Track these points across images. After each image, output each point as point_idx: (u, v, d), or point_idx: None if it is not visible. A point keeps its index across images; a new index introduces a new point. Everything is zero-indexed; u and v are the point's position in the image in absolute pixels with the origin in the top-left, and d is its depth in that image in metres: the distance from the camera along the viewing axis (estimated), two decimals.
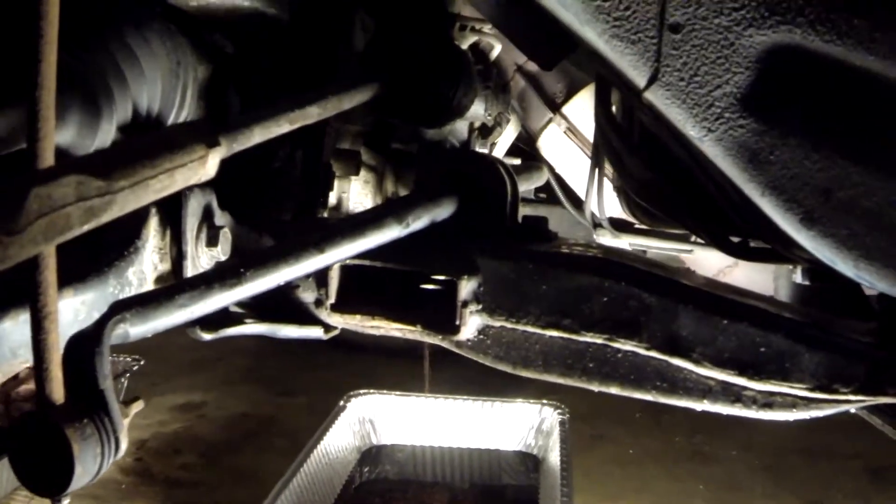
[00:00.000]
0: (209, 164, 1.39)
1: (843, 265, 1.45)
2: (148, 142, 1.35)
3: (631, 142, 1.90)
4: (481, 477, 3.69)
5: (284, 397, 4.37)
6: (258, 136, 1.53)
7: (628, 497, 3.47)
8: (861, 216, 1.40)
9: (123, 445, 1.37)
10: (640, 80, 1.52)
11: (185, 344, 4.77)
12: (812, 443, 3.97)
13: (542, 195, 3.32)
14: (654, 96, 1.51)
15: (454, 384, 3.87)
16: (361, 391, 3.74)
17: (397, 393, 3.79)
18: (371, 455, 3.72)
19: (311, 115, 1.68)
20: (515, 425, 3.76)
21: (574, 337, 1.76)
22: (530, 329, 1.80)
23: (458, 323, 1.81)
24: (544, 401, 3.72)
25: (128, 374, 4.05)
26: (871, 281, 1.44)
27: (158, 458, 3.69)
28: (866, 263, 1.41)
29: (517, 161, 3.10)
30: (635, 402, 4.09)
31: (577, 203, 2.60)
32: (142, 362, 4.04)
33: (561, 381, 1.82)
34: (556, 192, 2.89)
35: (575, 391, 3.83)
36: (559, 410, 3.65)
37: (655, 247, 2.54)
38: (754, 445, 3.94)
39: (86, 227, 1.18)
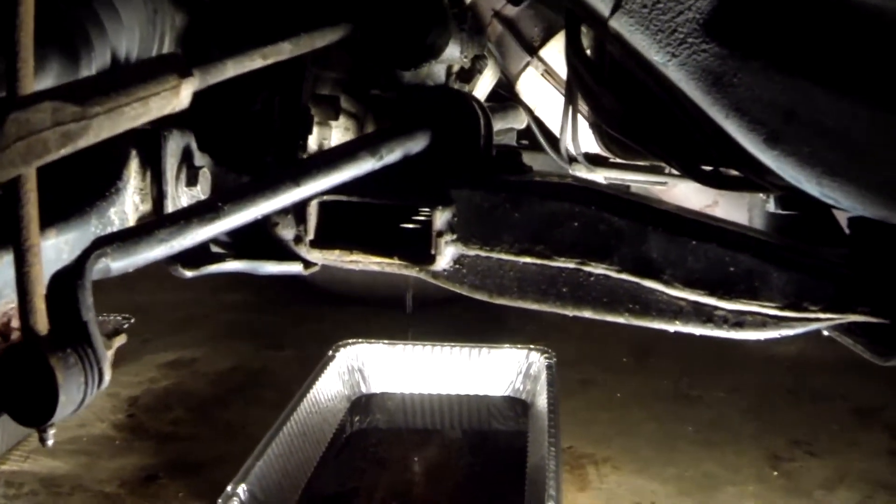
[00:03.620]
0: (182, 94, 1.42)
1: (807, 183, 1.48)
2: (123, 72, 1.38)
3: (601, 75, 1.93)
4: (471, 423, 3.72)
5: (273, 351, 4.39)
6: (231, 69, 1.56)
7: (616, 439, 3.50)
8: (823, 134, 1.42)
9: (107, 376, 1.40)
10: (604, 8, 1.55)
11: (174, 302, 4.83)
12: (799, 385, 4.00)
13: (525, 142, 3.33)
14: (619, 24, 1.54)
15: (441, 335, 3.89)
16: (350, 341, 3.77)
17: (385, 342, 3.82)
18: (361, 404, 3.76)
19: (284, 51, 1.71)
20: (503, 371, 3.80)
21: (547, 262, 1.79)
22: (504, 256, 1.83)
23: (433, 253, 1.84)
24: (531, 346, 3.75)
25: (118, 332, 4.07)
26: (835, 198, 1.47)
27: (150, 415, 3.71)
28: (829, 180, 1.44)
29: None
30: (621, 347, 4.17)
31: (556, 145, 2.62)
32: (132, 320, 4.06)
33: (536, 307, 1.86)
34: (536, 135, 2.92)
35: (561, 338, 3.90)
36: (546, 355, 3.69)
37: (630, 179, 2.57)
38: (741, 388, 3.97)
39: (63, 152, 1.21)
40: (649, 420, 3.68)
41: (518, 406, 3.75)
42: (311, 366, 3.58)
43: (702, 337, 3.88)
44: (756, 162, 1.54)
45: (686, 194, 2.86)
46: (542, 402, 3.40)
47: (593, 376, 4.07)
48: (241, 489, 2.67)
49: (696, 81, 1.49)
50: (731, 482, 3.19)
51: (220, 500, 2.60)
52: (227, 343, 4.47)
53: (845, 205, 1.48)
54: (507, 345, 3.81)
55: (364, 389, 3.81)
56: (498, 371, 3.80)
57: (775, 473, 3.25)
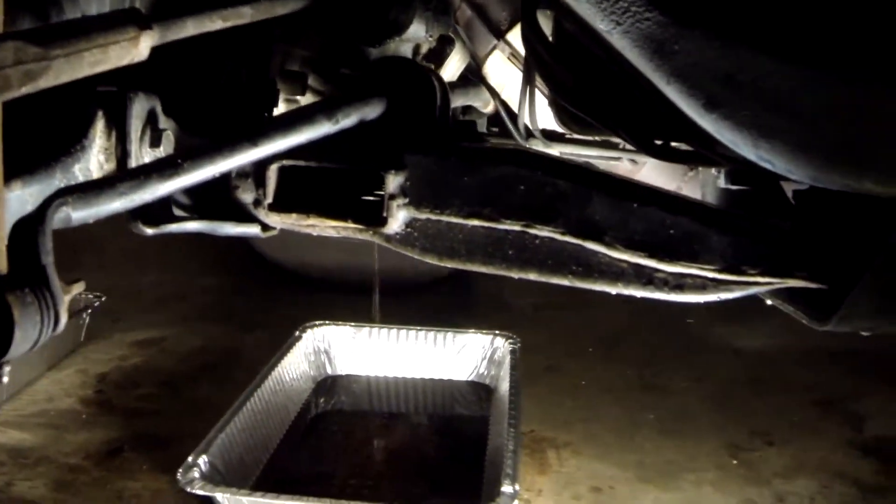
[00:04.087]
0: (141, 46, 1.46)
1: (745, 147, 1.52)
2: (85, 20, 1.43)
3: (557, 50, 1.97)
4: (435, 407, 3.76)
5: (244, 332, 4.43)
6: (191, 27, 1.60)
7: (578, 425, 3.54)
8: (759, 98, 1.47)
9: (63, 320, 1.44)
10: None
11: (148, 284, 4.87)
12: (761, 376, 4.04)
13: (495, 129, 3.37)
14: None
15: (410, 320, 3.93)
16: (317, 322, 3.82)
17: (352, 324, 3.87)
18: (326, 385, 3.81)
19: (244, 15, 1.76)
20: (468, 355, 3.86)
21: (494, 225, 1.84)
22: (454, 220, 1.88)
23: (385, 216, 1.89)
24: (497, 332, 3.80)
25: (89, 311, 4.12)
26: (770, 159, 1.51)
27: (118, 391, 3.75)
28: (765, 142, 1.49)
29: None
30: (589, 338, 4.21)
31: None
32: (103, 298, 4.10)
33: (483, 269, 1.90)
34: (503, 118, 2.96)
35: (530, 327, 3.94)
36: (511, 340, 3.74)
37: (584, 154, 2.62)
38: (705, 378, 4.01)
39: (24, 90, 1.26)
40: (612, 407, 3.72)
41: (482, 390, 3.80)
42: (279, 346, 3.62)
43: (667, 327, 3.95)
44: (701, 132, 1.59)
45: (650, 179, 2.91)
46: (505, 386, 3.44)
47: (559, 364, 4.11)
48: (203, 460, 2.71)
49: (639, 49, 1.53)
50: (691, 469, 3.23)
51: (180, 471, 2.64)
52: (198, 324, 4.51)
53: (780, 168, 1.52)
54: (473, 330, 3.85)
55: (329, 371, 3.86)
56: (463, 356, 3.86)
57: (735, 462, 3.30)
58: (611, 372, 4.07)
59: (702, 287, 1.79)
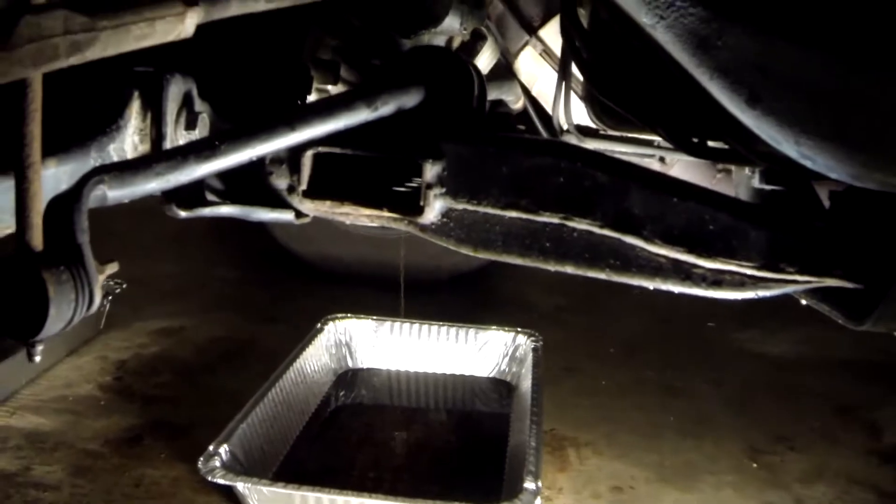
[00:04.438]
0: (187, 22, 1.46)
1: (786, 143, 1.51)
2: None
3: (595, 42, 1.96)
4: (455, 403, 3.75)
5: (264, 323, 4.42)
6: (235, 7, 1.59)
7: (598, 425, 3.52)
8: (798, 91, 1.46)
9: (97, 299, 1.44)
10: None
11: (168, 274, 4.86)
12: (782, 382, 4.02)
13: (522, 127, 3.37)
14: None
15: (431, 316, 3.93)
16: (338, 315, 3.81)
17: (374, 317, 3.87)
18: (347, 378, 3.80)
19: None
20: (490, 352, 3.84)
21: (532, 217, 1.83)
22: (490, 210, 1.87)
23: (422, 205, 1.88)
24: (519, 329, 3.79)
25: (110, 297, 4.11)
26: (811, 155, 1.50)
27: (137, 378, 3.74)
28: (806, 138, 1.48)
29: None
30: (610, 339, 4.20)
31: (549, 123, 2.65)
32: (124, 285, 4.09)
33: (519, 261, 1.89)
34: (531, 115, 2.95)
35: (550, 325, 3.93)
36: (533, 338, 3.72)
37: (619, 150, 2.61)
38: (725, 382, 3.99)
39: (71, 60, 1.26)
40: (632, 408, 3.70)
41: (503, 387, 3.79)
42: (301, 339, 3.62)
43: (688, 331, 3.93)
44: (741, 129, 1.58)
45: (681, 177, 2.90)
46: (526, 384, 3.43)
47: (580, 364, 4.09)
48: (224, 449, 2.70)
49: (682, 44, 1.52)
50: (711, 472, 3.21)
51: (201, 459, 2.63)
52: (218, 314, 4.50)
53: (820, 164, 1.51)
54: (495, 327, 3.84)
55: (350, 364, 3.85)
56: (484, 352, 3.85)
57: (754, 465, 3.28)
58: (631, 374, 4.05)
59: (740, 284, 1.78)
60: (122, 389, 3.63)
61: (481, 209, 1.88)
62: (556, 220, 1.82)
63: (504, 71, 3.11)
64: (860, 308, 1.76)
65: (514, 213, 1.85)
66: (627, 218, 1.78)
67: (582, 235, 1.83)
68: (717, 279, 1.78)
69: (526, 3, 2.85)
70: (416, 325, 3.87)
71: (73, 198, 1.42)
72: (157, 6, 1.39)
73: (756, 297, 1.79)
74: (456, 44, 2.66)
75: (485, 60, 2.93)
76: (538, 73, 2.85)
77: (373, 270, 4.58)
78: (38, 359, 1.47)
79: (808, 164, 1.53)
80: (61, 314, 1.38)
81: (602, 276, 1.84)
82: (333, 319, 3.80)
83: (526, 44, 2.85)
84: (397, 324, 3.88)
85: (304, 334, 3.68)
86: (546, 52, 2.81)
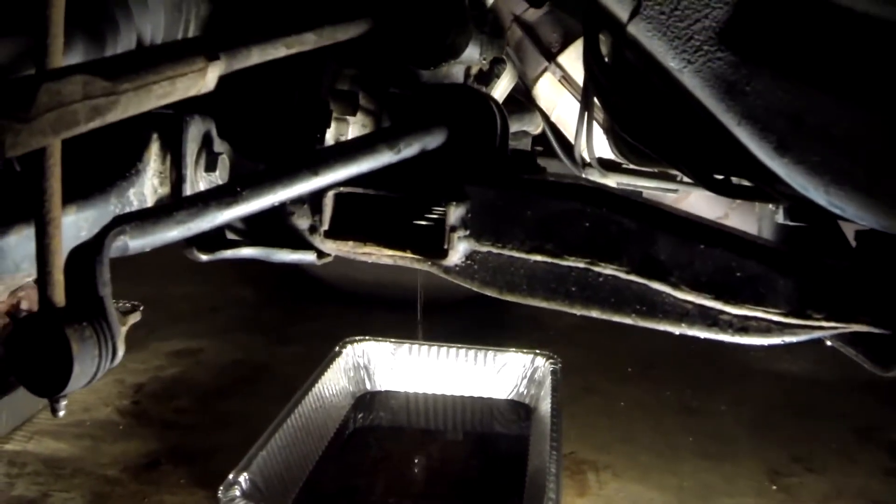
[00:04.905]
0: (209, 77, 1.44)
1: (815, 192, 1.50)
2: (152, 51, 1.41)
3: (618, 79, 1.95)
4: (473, 425, 3.74)
5: (280, 346, 4.41)
6: (256, 56, 1.58)
7: (616, 448, 3.52)
8: (830, 142, 1.44)
9: (120, 351, 1.42)
10: (623, 13, 1.57)
11: (182, 295, 4.85)
12: (799, 402, 4.01)
13: (539, 148, 3.35)
14: (637, 30, 1.57)
15: (447, 337, 3.91)
16: (357, 337, 3.80)
17: (392, 340, 3.85)
18: (365, 401, 3.78)
19: (308, 41, 1.74)
20: (508, 374, 3.82)
21: (557, 261, 1.82)
22: (515, 254, 1.86)
23: (446, 247, 1.86)
24: (537, 351, 3.77)
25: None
26: (841, 206, 1.49)
27: (155, 402, 3.74)
28: (836, 188, 1.46)
29: None
30: (626, 358, 4.18)
31: (570, 150, 2.65)
32: (141, 308, 4.08)
33: (544, 304, 1.88)
34: (550, 140, 2.94)
35: (566, 345, 3.92)
36: (551, 360, 3.70)
37: (642, 185, 2.60)
38: (742, 402, 3.98)
39: (92, 125, 1.24)
40: (651, 429, 3.69)
41: (521, 410, 3.77)
42: (316, 362, 3.60)
43: (706, 349, 3.92)
44: (766, 171, 1.57)
45: (697, 205, 2.89)
46: (545, 406, 3.42)
47: (597, 384, 4.08)
48: (243, 478, 2.69)
49: (710, 88, 1.51)
50: (730, 494, 3.20)
51: (221, 489, 2.62)
52: (233, 336, 4.50)
53: (851, 214, 1.50)
54: (513, 349, 3.82)
55: (369, 387, 3.83)
56: (503, 374, 3.82)
57: (774, 487, 3.27)
58: (649, 393, 4.04)
59: (766, 330, 1.76)
60: (139, 413, 3.63)
61: (506, 252, 1.87)
62: (581, 265, 1.81)
63: (522, 95, 3.10)
64: (887, 353, 1.74)
65: (539, 257, 1.84)
66: (654, 264, 1.76)
67: (608, 280, 1.81)
68: (743, 325, 1.77)
69: (545, 29, 2.85)
70: (435, 348, 3.85)
71: (95, 250, 1.40)
72: (178, 63, 1.38)
73: (783, 343, 1.78)
74: (475, 71, 2.64)
75: (503, 86, 2.91)
76: (557, 100, 2.85)
77: (391, 292, 4.56)
78: (62, 413, 1.45)
79: (837, 212, 1.52)
80: (85, 370, 1.37)
81: (628, 320, 1.83)
82: (352, 342, 3.79)
83: (545, 70, 2.85)
84: (415, 346, 3.86)
85: (319, 356, 3.67)
86: (565, 78, 2.81)
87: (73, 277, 1.39)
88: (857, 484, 3.30)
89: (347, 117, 2.29)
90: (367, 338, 3.83)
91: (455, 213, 1.87)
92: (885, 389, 4.05)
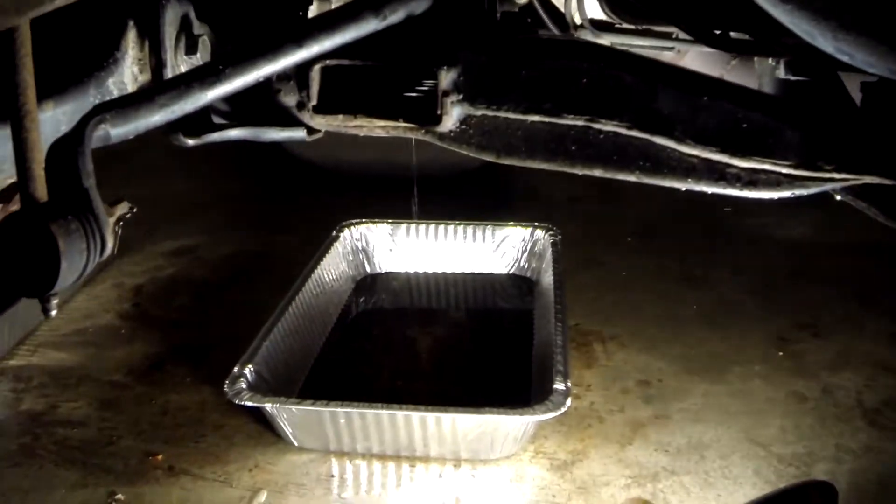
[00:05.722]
0: None
1: (822, 38, 1.43)
2: None
3: None
4: (476, 302, 3.73)
5: (276, 235, 4.37)
6: None
7: (621, 319, 3.49)
8: None
9: (109, 244, 1.39)
10: None
11: (174, 193, 4.81)
12: (802, 268, 3.97)
13: (528, 20, 3.28)
14: None
15: (446, 213, 3.88)
16: (353, 220, 3.77)
17: (389, 221, 3.83)
18: (366, 284, 3.77)
19: None
20: (508, 248, 3.81)
21: (555, 120, 1.77)
22: (511, 115, 1.80)
23: (439, 113, 1.81)
24: (536, 223, 3.74)
25: (121, 223, 4.05)
26: (850, 51, 1.42)
27: (155, 303, 3.70)
28: (844, 33, 1.40)
29: None
30: (626, 228, 4.15)
31: (559, 18, 2.57)
32: (134, 210, 4.03)
33: (545, 166, 1.83)
34: (537, 8, 2.86)
35: (565, 218, 3.88)
36: (551, 232, 3.68)
37: (637, 44, 2.53)
38: (745, 269, 3.94)
39: (57, 2, 1.18)
40: (655, 299, 3.67)
41: (523, 284, 3.76)
42: (314, 249, 3.58)
43: (706, 217, 3.88)
44: (769, 21, 1.50)
45: (693, 65, 2.82)
46: (547, 279, 3.41)
47: (599, 256, 4.06)
48: (248, 369, 2.67)
49: None
50: (737, 362, 3.18)
51: (227, 382, 2.60)
52: (229, 230, 4.46)
53: (860, 60, 1.44)
54: (512, 223, 3.79)
55: (368, 269, 3.83)
56: (502, 249, 3.82)
57: (780, 354, 3.25)
58: (651, 263, 4.01)
59: (776, 183, 1.72)
60: (140, 316, 3.60)
61: (501, 114, 1.81)
62: (580, 123, 1.75)
63: None
64: None
65: (536, 118, 1.78)
66: (656, 118, 1.71)
67: (609, 137, 1.75)
68: (752, 179, 1.72)
69: None
70: (433, 226, 3.84)
71: (75, 141, 1.36)
72: None
73: (793, 195, 1.73)
74: None
75: None
76: None
77: (384, 171, 4.51)
78: (53, 313, 1.42)
79: (845, 59, 1.45)
80: (73, 266, 1.33)
81: (632, 178, 1.78)
82: (349, 226, 3.76)
83: None
84: (413, 226, 3.84)
85: (316, 243, 3.64)
86: None
87: (55, 171, 1.35)
88: (864, 349, 3.28)
89: None
90: (363, 220, 3.80)
91: (447, 78, 1.81)
92: (885, 251, 4.02)
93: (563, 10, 2.53)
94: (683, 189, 1.77)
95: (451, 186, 4.62)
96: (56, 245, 1.28)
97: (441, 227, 3.83)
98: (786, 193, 1.73)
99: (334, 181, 4.89)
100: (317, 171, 4.93)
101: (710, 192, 1.75)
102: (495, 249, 3.81)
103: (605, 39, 2.53)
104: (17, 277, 1.33)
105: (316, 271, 3.37)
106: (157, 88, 1.55)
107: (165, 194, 4.89)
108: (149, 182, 4.85)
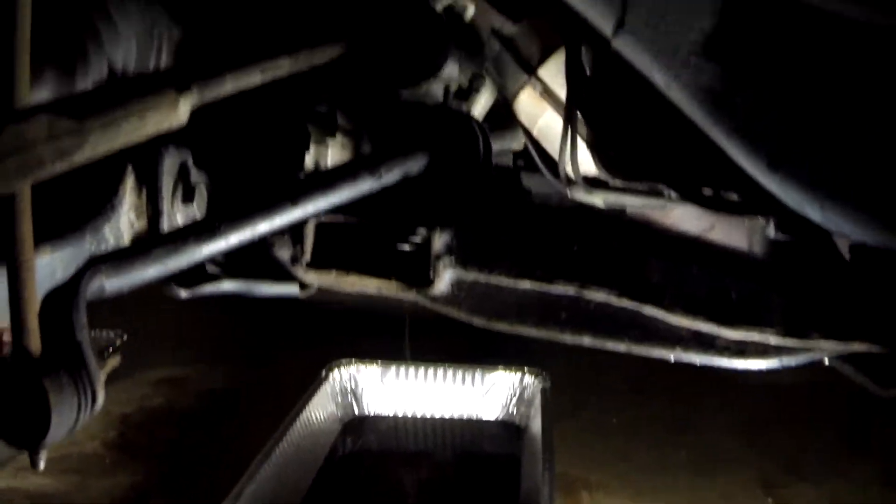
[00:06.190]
0: (181, 110, 1.40)
1: (810, 209, 1.45)
2: (120, 86, 1.36)
3: (601, 94, 1.91)
4: (463, 446, 3.69)
5: (266, 370, 4.37)
6: (230, 84, 1.54)
7: (609, 466, 3.48)
8: (823, 156, 1.40)
9: (100, 398, 1.38)
10: (606, 27, 1.53)
11: (165, 321, 4.78)
12: (791, 411, 3.98)
13: (521, 162, 3.31)
14: (622, 44, 1.52)
15: (435, 355, 3.87)
16: (343, 360, 3.75)
17: (379, 362, 3.80)
18: (354, 426, 3.73)
19: (283, 67, 1.70)
20: (497, 393, 3.78)
21: (546, 287, 1.78)
22: (503, 280, 1.81)
23: (431, 276, 1.82)
24: (526, 369, 3.73)
25: (111, 349, 4.06)
26: (837, 222, 1.44)
27: (140, 433, 3.68)
28: (831, 204, 1.42)
29: None
30: (615, 373, 4.14)
31: (554, 166, 2.59)
32: (124, 337, 4.04)
33: (535, 333, 1.84)
34: (533, 156, 2.89)
35: (555, 361, 3.87)
36: (540, 378, 3.66)
37: (629, 203, 2.54)
38: (733, 412, 3.95)
39: (58, 167, 1.20)
40: (644, 446, 3.65)
41: (512, 430, 3.72)
42: (304, 384, 3.55)
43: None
44: (757, 185, 1.52)
45: (683, 218, 2.84)
46: (535, 426, 3.38)
47: (587, 400, 4.05)
48: None
49: (697, 103, 1.47)
50: None
51: None
52: (220, 361, 4.45)
53: (847, 230, 1.45)
54: (501, 367, 3.78)
55: (357, 411, 3.79)
56: (492, 393, 3.78)
57: (770, 500, 3.23)
58: (640, 408, 4.01)
59: (763, 352, 1.73)
60: (126, 445, 3.57)
61: (493, 279, 1.82)
62: (572, 292, 1.76)
63: (502, 109, 3.06)
64: (889, 373, 1.70)
65: (527, 284, 1.79)
66: (646, 287, 1.72)
67: (600, 306, 1.77)
68: (740, 349, 1.73)
69: (524, 41, 2.79)
70: (422, 368, 3.80)
71: (70, 294, 1.36)
72: (148, 98, 1.33)
73: (780, 365, 1.74)
74: (454, 88, 2.60)
75: (483, 102, 2.86)
76: (539, 114, 2.79)
77: (377, 305, 4.51)
78: (42, 466, 1.41)
79: (832, 228, 1.47)
80: (64, 420, 1.33)
81: (621, 347, 1.79)
82: (338, 366, 3.74)
83: (525, 84, 2.79)
84: (402, 367, 3.81)
85: (306, 380, 3.61)
86: (546, 91, 2.75)
87: (49, 323, 1.34)
88: (854, 494, 3.27)
89: (326, 139, 2.25)
90: (352, 360, 3.78)
91: (440, 241, 1.83)
92: (874, 399, 4.01)
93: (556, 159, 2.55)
94: (672, 360, 1.78)
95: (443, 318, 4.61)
96: (47, 400, 1.28)
97: (431, 369, 3.80)
98: (774, 363, 1.74)
99: (327, 315, 4.88)
100: (309, 304, 4.92)
101: (698, 364, 1.76)
102: (485, 394, 3.78)
103: (598, 197, 2.55)
104: (7, 428, 1.33)
105: (304, 412, 3.34)
106: (153, 242, 1.56)
107: (155, 322, 4.87)
108: (138, 309, 4.83)
